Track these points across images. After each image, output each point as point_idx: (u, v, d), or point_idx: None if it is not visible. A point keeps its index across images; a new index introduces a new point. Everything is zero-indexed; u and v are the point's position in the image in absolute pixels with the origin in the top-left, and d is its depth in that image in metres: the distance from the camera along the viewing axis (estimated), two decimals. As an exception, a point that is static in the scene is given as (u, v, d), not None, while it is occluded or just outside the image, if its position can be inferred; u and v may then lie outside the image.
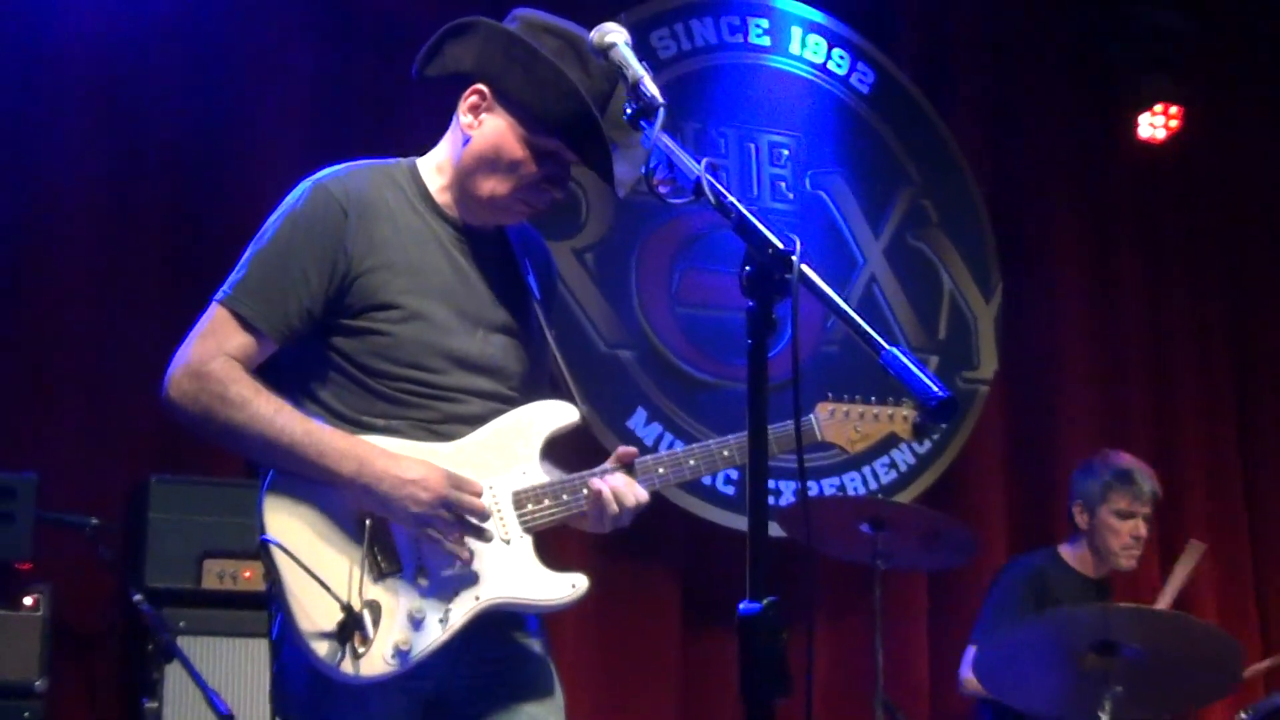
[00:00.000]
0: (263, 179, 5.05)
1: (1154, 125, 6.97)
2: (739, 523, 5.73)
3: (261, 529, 2.72)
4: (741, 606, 2.02)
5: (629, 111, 2.40)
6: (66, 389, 5.00)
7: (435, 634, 2.73)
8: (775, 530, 4.78)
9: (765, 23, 6.40)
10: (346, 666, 2.66)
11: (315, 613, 2.66)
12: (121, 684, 4.82)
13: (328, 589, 2.66)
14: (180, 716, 4.45)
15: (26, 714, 4.37)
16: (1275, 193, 7.22)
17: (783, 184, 6.30)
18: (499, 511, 2.83)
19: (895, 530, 4.82)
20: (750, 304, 2.10)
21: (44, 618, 4.46)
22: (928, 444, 6.20)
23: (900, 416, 3.23)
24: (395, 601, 2.72)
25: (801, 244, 2.09)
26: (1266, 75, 7.23)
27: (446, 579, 2.76)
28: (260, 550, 2.71)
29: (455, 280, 2.89)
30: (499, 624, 2.83)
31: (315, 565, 2.67)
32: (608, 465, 2.91)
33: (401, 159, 3.00)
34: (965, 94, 6.76)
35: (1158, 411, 6.89)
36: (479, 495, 2.76)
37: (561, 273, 4.94)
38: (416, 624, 2.71)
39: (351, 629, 2.65)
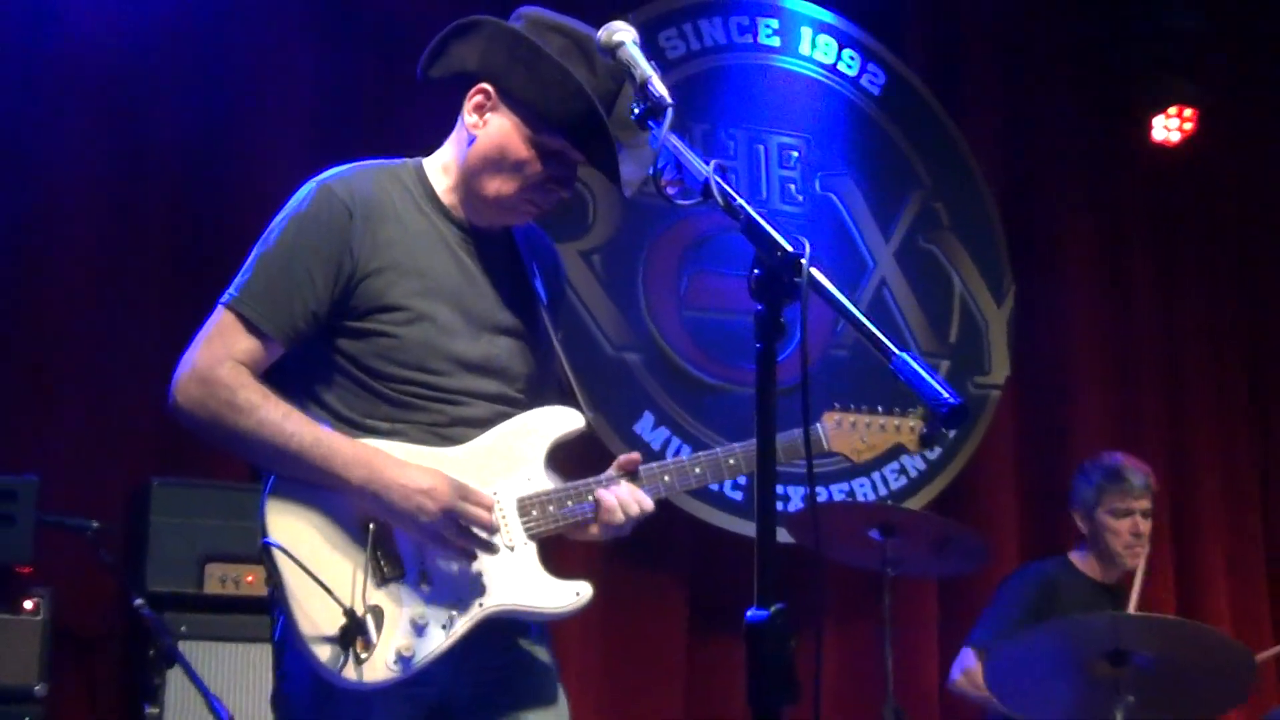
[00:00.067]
0: (264, 179, 5.07)
1: (1168, 128, 6.97)
2: (747, 528, 5.73)
3: (263, 532, 2.72)
4: (749, 613, 2.02)
5: (637, 111, 2.40)
6: (67, 390, 5.00)
7: (438, 640, 2.72)
8: (783, 536, 4.77)
9: (775, 23, 6.40)
10: (348, 672, 2.65)
11: (317, 617, 2.66)
12: (122, 689, 4.83)
13: (330, 593, 2.65)
14: (181, 722, 4.46)
15: (26, 719, 4.37)
16: (1290, 196, 7.22)
17: (792, 186, 6.30)
18: (503, 518, 2.82)
19: (905, 537, 4.81)
20: (759, 307, 2.10)
21: (44, 621, 4.46)
22: (938, 450, 6.20)
23: (907, 428, 3.24)
24: (398, 607, 2.71)
25: (811, 247, 2.09)
26: (1283, 77, 7.23)
27: (450, 585, 2.75)
28: (262, 553, 2.71)
29: (461, 282, 2.89)
30: (502, 631, 2.83)
31: (317, 569, 2.67)
32: (610, 472, 2.91)
33: (407, 159, 3.00)
34: (977, 95, 6.75)
35: (1171, 415, 6.89)
36: (489, 508, 2.76)
37: (568, 274, 4.94)
38: (419, 630, 2.71)
39: (353, 634, 2.65)
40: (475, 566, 2.77)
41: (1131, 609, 4.88)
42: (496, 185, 2.86)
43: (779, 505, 5.29)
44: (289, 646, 2.72)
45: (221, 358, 2.73)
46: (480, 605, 2.76)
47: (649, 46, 2.48)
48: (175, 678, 4.38)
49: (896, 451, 3.34)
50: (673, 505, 5.39)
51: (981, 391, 6.41)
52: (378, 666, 2.67)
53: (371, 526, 2.72)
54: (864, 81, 6.49)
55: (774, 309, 2.09)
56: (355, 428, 2.79)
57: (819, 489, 5.96)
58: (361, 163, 2.95)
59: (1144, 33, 6.90)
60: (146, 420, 4.87)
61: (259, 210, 2.97)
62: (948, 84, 6.67)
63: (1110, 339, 6.84)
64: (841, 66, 6.47)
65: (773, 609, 2.01)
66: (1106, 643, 4.21)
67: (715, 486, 5.74)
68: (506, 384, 2.91)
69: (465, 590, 2.76)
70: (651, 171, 2.35)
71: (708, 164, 2.26)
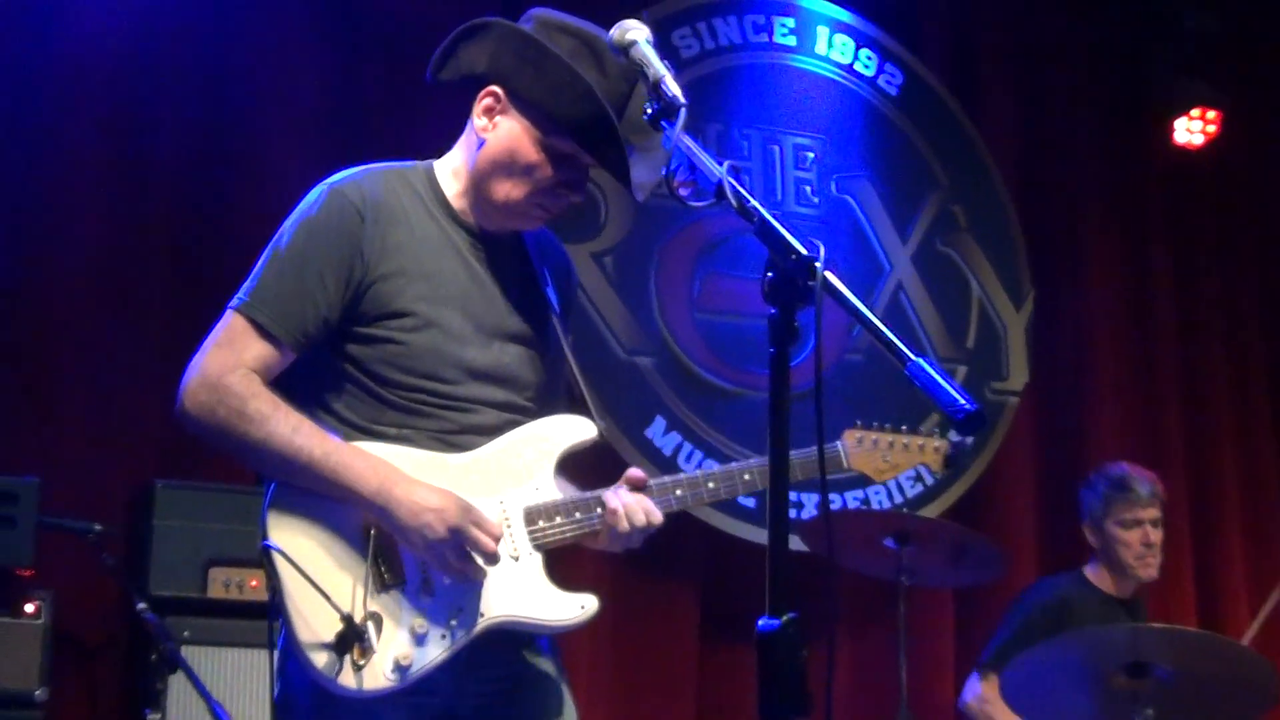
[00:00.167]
0: (267, 183, 5.09)
1: (1191, 130, 6.96)
2: (759, 536, 5.69)
3: (264, 535, 2.72)
4: (760, 622, 2.01)
5: (649, 111, 2.39)
6: (70, 392, 5.01)
7: (437, 650, 2.72)
8: (796, 544, 4.77)
9: (791, 22, 6.40)
10: (345, 679, 2.65)
11: (315, 622, 2.66)
12: (124, 694, 4.83)
13: (328, 599, 2.65)
14: (183, 728, 4.46)
15: (26, 724, 4.38)
16: (1316, 202, 7.20)
17: (807, 188, 6.29)
18: (509, 527, 2.82)
19: (921, 545, 4.80)
20: (772, 311, 2.09)
21: (45, 625, 4.46)
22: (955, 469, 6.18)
23: (931, 448, 3.21)
24: (398, 615, 2.71)
25: (826, 249, 2.08)
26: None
27: (451, 595, 2.75)
28: (261, 556, 2.71)
29: (471, 288, 2.89)
30: (508, 642, 2.82)
31: (317, 574, 2.67)
32: (620, 486, 2.90)
33: (418, 162, 2.99)
34: (996, 96, 6.75)
35: (1192, 422, 6.87)
36: (497, 538, 2.75)
37: (579, 277, 4.94)
38: (419, 639, 2.71)
39: (351, 640, 2.65)
40: (477, 577, 2.76)
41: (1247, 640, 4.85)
42: (506, 189, 2.86)
43: (792, 512, 5.29)
44: (289, 653, 2.72)
45: (232, 365, 2.73)
46: (481, 616, 2.75)
47: (662, 45, 2.48)
48: (178, 683, 4.38)
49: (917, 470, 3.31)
50: (685, 512, 5.38)
51: (999, 398, 6.40)
52: (375, 675, 2.66)
53: (373, 533, 2.72)
54: (881, 82, 6.49)
55: (788, 313, 2.08)
56: (362, 433, 2.79)
57: (833, 496, 5.95)
58: (372, 165, 2.94)
59: (1166, 34, 6.88)
60: (150, 422, 4.88)
61: (262, 214, 2.98)
62: (966, 85, 6.66)
63: (1131, 345, 6.82)
64: (858, 66, 6.46)
65: (785, 618, 2.00)
66: (1126, 655, 4.21)
67: (727, 495, 5.73)
68: (515, 392, 2.91)
69: (467, 600, 2.75)
70: (664, 172, 2.34)
71: (721, 165, 2.25)
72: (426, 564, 2.74)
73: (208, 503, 4.68)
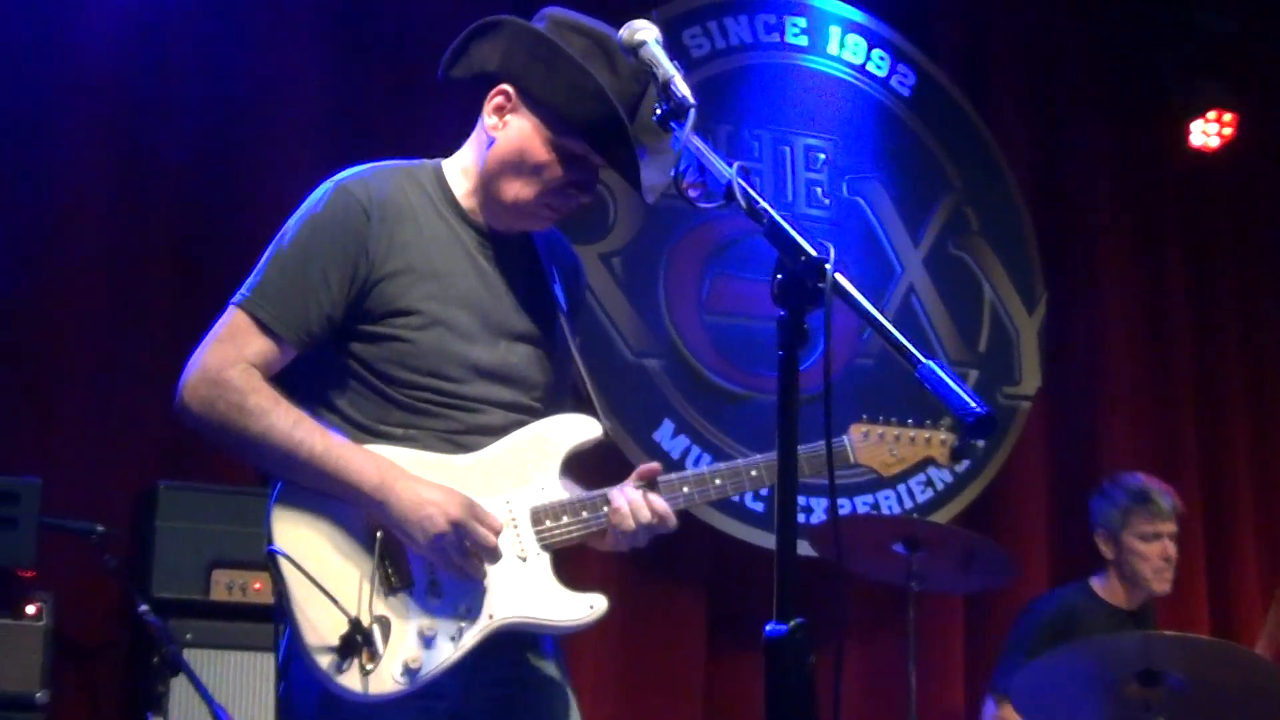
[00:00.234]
0: (270, 184, 5.11)
1: (1207, 133, 6.95)
2: (767, 540, 5.72)
3: (269, 539, 2.72)
4: (768, 627, 2.02)
5: (659, 112, 2.39)
6: (73, 392, 5.02)
7: (446, 653, 2.72)
8: (805, 549, 4.77)
9: (803, 21, 6.40)
10: (354, 684, 2.65)
11: (322, 627, 2.66)
12: (125, 697, 4.84)
13: (335, 603, 2.66)
14: (185, 732, 4.47)
15: (27, 727, 4.38)
16: (1334, 206, 7.19)
17: (819, 189, 6.30)
18: (515, 527, 2.82)
19: (931, 551, 4.80)
20: (782, 313, 2.09)
21: (46, 627, 4.47)
22: (966, 462, 6.18)
23: (938, 440, 3.21)
24: (405, 618, 2.72)
25: (836, 252, 2.08)
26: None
27: (459, 596, 2.75)
28: (267, 561, 2.71)
29: (479, 287, 2.89)
30: (514, 645, 2.83)
31: (324, 578, 2.67)
32: (628, 483, 2.91)
33: (426, 160, 3.00)
34: (1010, 98, 6.74)
35: (1206, 429, 6.86)
36: (497, 531, 2.75)
37: (587, 278, 4.95)
38: (427, 642, 2.71)
39: (359, 645, 2.65)
40: (486, 578, 2.77)
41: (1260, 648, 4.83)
42: (515, 189, 2.86)
43: (801, 517, 5.27)
44: (295, 656, 2.72)
45: (233, 359, 2.74)
46: (490, 617, 2.76)
47: (672, 45, 2.49)
48: (180, 686, 4.38)
49: (926, 465, 3.31)
50: (692, 516, 5.39)
51: (1011, 402, 6.40)
52: (384, 678, 2.67)
53: (379, 535, 2.72)
54: (894, 82, 6.49)
55: (797, 315, 2.09)
56: (367, 433, 2.80)
57: (843, 501, 5.95)
58: (380, 163, 2.95)
59: (1181, 35, 6.88)
60: (153, 422, 4.89)
61: (266, 215, 2.98)
62: (980, 86, 6.66)
63: (1145, 350, 6.81)
64: (871, 67, 6.47)
65: (792, 623, 2.00)
66: (1138, 663, 4.20)
67: (736, 497, 5.74)
68: (523, 392, 2.91)
69: (475, 601, 2.76)
70: (674, 173, 2.34)
71: (731, 166, 2.25)
72: (433, 565, 2.75)
73: (211, 504, 4.68)
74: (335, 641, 2.65)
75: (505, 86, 2.87)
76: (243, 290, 2.80)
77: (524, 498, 2.85)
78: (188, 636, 4.52)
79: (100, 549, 4.44)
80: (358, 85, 5.56)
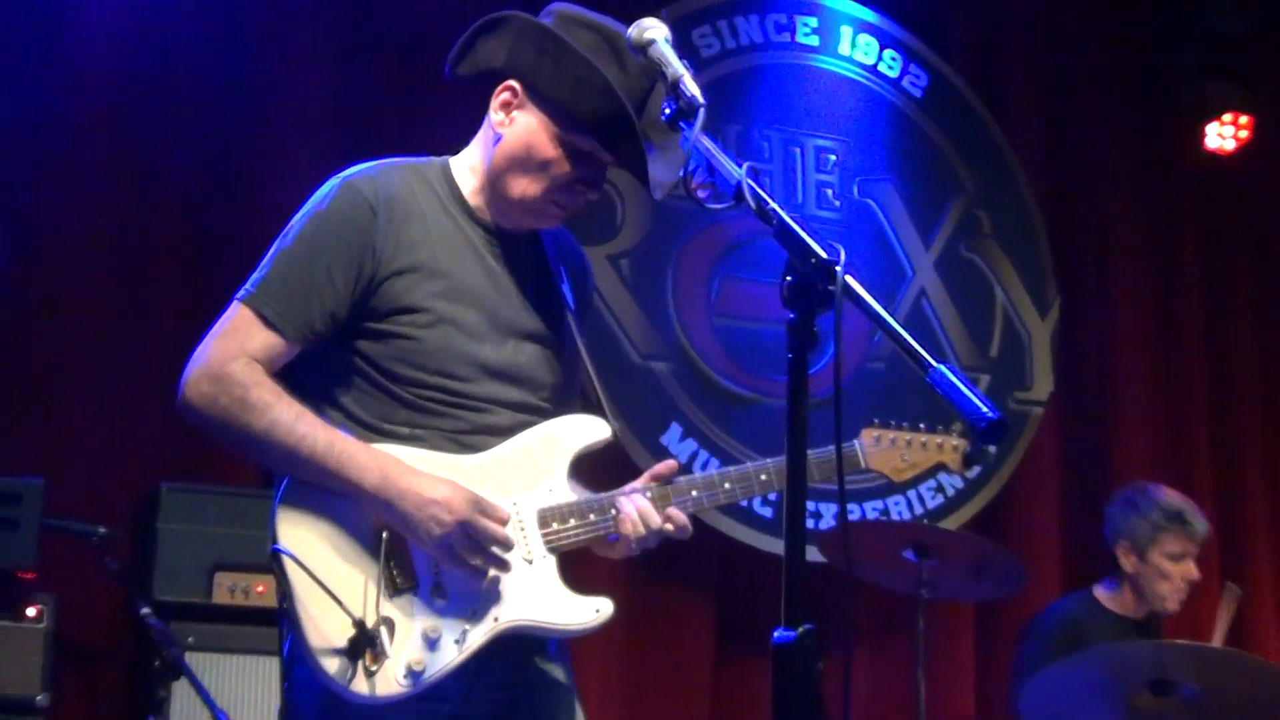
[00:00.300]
0: (275, 185, 5.11)
1: (1222, 136, 6.94)
2: (776, 546, 5.70)
3: (273, 539, 2.73)
4: (776, 634, 2.01)
5: (668, 111, 2.39)
6: (75, 392, 5.03)
7: (450, 655, 2.72)
8: (814, 555, 4.77)
9: (814, 21, 6.40)
10: (358, 685, 2.66)
11: (326, 628, 2.67)
12: (126, 701, 4.84)
13: (340, 603, 2.66)
14: (187, 736, 4.47)
15: (27, 730, 4.39)
16: (1351, 210, 7.18)
17: (829, 191, 6.29)
18: (522, 529, 2.82)
19: (941, 558, 4.79)
20: (791, 316, 2.09)
21: (47, 630, 4.47)
22: (978, 468, 6.17)
23: (950, 446, 3.20)
24: (410, 619, 2.72)
25: (847, 254, 2.08)
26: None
27: (464, 598, 2.75)
28: (271, 561, 2.72)
29: (486, 285, 2.89)
30: (518, 648, 2.83)
31: (328, 578, 2.68)
32: (640, 483, 2.91)
33: (434, 158, 3.00)
34: (1023, 99, 6.74)
35: (1220, 435, 6.85)
36: (504, 522, 2.76)
37: (595, 279, 4.95)
38: (431, 644, 2.71)
39: (363, 646, 2.65)
40: (491, 579, 2.77)
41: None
42: (523, 186, 2.86)
43: (810, 522, 5.27)
44: (298, 658, 2.72)
45: (235, 354, 2.74)
46: (495, 619, 2.76)
47: (682, 44, 2.48)
48: (181, 690, 4.38)
49: (937, 470, 3.30)
50: (700, 521, 5.33)
51: (1023, 408, 6.39)
52: (388, 680, 2.67)
53: (385, 535, 2.72)
54: (905, 83, 6.49)
55: (807, 318, 2.08)
56: (373, 432, 2.80)
57: (852, 506, 5.95)
58: (386, 160, 2.95)
59: (1195, 37, 6.87)
60: (155, 423, 4.88)
61: (269, 215, 2.99)
62: (992, 87, 6.66)
63: (1158, 355, 6.80)
64: (882, 67, 6.46)
65: (801, 630, 2.00)
66: (1150, 672, 4.19)
67: (744, 502, 5.74)
68: (530, 392, 2.91)
69: (480, 604, 2.76)
70: (682, 173, 2.34)
71: (740, 166, 2.25)
72: (438, 565, 2.75)
73: (213, 506, 4.69)
74: (338, 642, 2.66)
75: (512, 83, 2.87)
76: (247, 285, 2.81)
77: (531, 499, 2.85)
78: (189, 640, 4.53)
79: (102, 551, 4.44)
80: (362, 82, 5.56)
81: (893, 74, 6.47)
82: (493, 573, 2.76)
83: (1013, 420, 6.29)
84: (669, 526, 2.86)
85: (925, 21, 6.56)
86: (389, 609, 2.71)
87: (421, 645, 2.71)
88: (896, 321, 2.11)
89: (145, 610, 4.30)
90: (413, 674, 2.69)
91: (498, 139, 2.88)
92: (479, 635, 2.75)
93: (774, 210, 2.18)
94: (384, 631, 2.68)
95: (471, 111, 2.97)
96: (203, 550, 4.64)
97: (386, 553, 2.72)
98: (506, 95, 2.88)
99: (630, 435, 5.61)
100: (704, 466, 5.74)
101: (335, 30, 5.59)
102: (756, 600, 5.52)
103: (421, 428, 2.81)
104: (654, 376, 5.84)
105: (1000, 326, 6.46)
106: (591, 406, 2.98)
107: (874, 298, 2.10)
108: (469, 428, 2.84)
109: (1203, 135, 6.94)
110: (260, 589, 4.61)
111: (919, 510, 6.11)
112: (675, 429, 5.82)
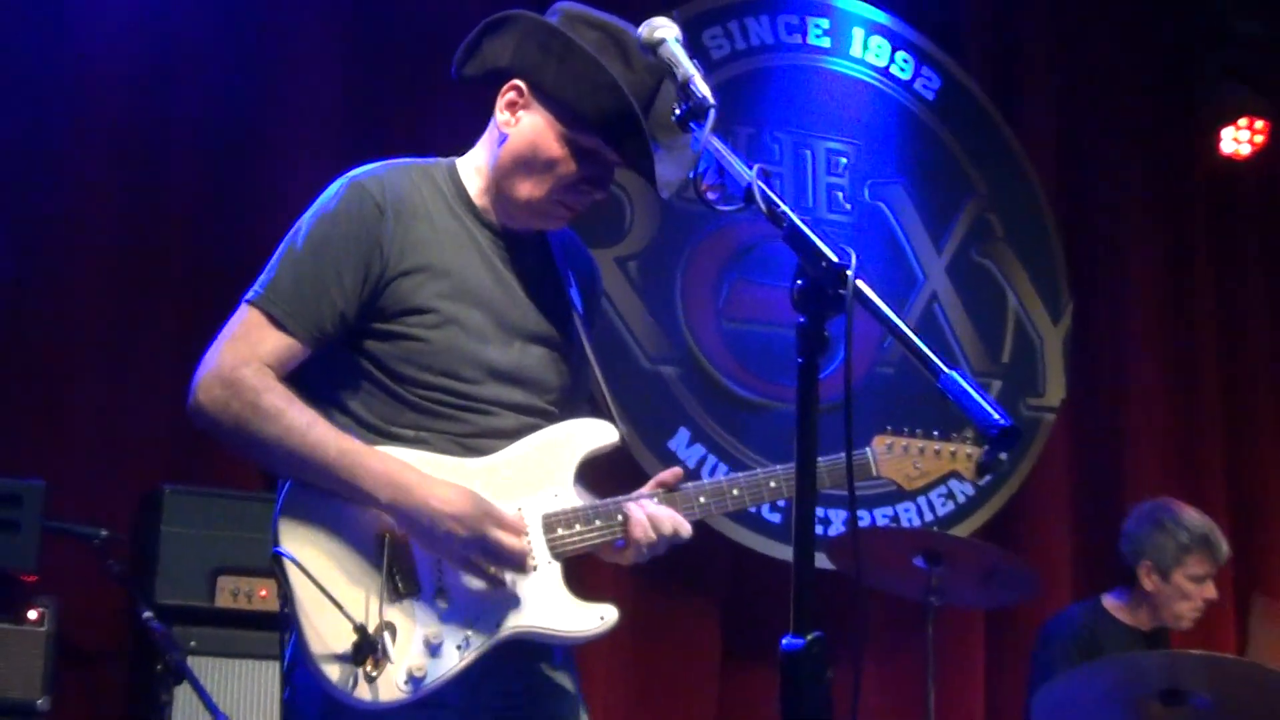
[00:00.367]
0: (280, 187, 5.11)
1: (1238, 140, 6.93)
2: (784, 552, 5.72)
3: (275, 541, 2.72)
4: (784, 641, 2.01)
5: (678, 112, 2.39)
6: (78, 394, 5.03)
7: (452, 661, 2.72)
8: (823, 562, 4.76)
9: (825, 23, 6.40)
10: (359, 691, 2.65)
11: (327, 632, 2.66)
12: (128, 705, 4.84)
13: (340, 608, 2.65)
14: (188, 741, 4.47)
15: (28, 734, 4.39)
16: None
17: (840, 194, 6.29)
18: (527, 535, 2.82)
19: (951, 565, 4.78)
20: (801, 320, 2.09)
21: (48, 633, 4.47)
22: (986, 478, 6.16)
23: (964, 454, 3.18)
24: (412, 625, 2.71)
25: (858, 258, 2.08)
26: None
27: (467, 604, 2.75)
28: (272, 564, 2.71)
29: (494, 287, 2.89)
30: (523, 655, 2.82)
31: (330, 582, 2.67)
32: (646, 490, 2.90)
33: (441, 159, 3.00)
34: (1036, 102, 6.73)
35: (1235, 444, 6.84)
36: (520, 534, 2.75)
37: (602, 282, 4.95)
38: (433, 650, 2.71)
39: (365, 652, 2.65)
40: (495, 585, 2.76)
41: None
42: (529, 187, 2.86)
43: (819, 529, 5.27)
44: (299, 663, 2.72)
45: (247, 358, 2.74)
46: (498, 626, 2.75)
47: (692, 45, 2.48)
48: (183, 695, 4.38)
49: (949, 478, 3.29)
50: (707, 527, 5.38)
51: (1035, 414, 6.39)
52: (389, 686, 2.66)
53: (387, 539, 2.72)
54: (918, 86, 6.48)
55: (817, 322, 2.08)
56: (378, 434, 2.80)
57: (862, 512, 5.94)
58: (393, 160, 2.95)
59: (1213, 40, 6.86)
60: (158, 425, 4.89)
61: (274, 217, 2.99)
62: (1006, 90, 6.65)
63: (1172, 362, 6.79)
64: (894, 70, 6.46)
65: (809, 638, 2.00)
66: (1161, 681, 4.18)
67: (753, 508, 5.73)
68: (537, 395, 2.91)
69: (483, 610, 2.75)
70: (692, 175, 2.34)
71: (751, 169, 2.25)
72: (443, 569, 2.74)
73: (217, 509, 4.68)
74: (339, 647, 2.65)
75: (517, 82, 2.87)
76: (255, 287, 2.81)
77: (536, 504, 2.84)
78: (192, 644, 4.52)
79: (104, 553, 4.44)
80: (369, 83, 5.57)
81: (905, 76, 6.47)
82: (508, 578, 2.76)
83: (1024, 427, 6.29)
84: (684, 531, 2.85)
85: (938, 24, 6.56)
86: (391, 614, 2.70)
87: (423, 651, 2.70)
88: (907, 326, 2.10)
89: (147, 614, 4.30)
90: (414, 680, 2.68)
91: (503, 139, 2.88)
92: (482, 641, 2.74)
93: (784, 213, 2.17)
94: (386, 637, 2.67)
95: (479, 112, 2.97)
96: (205, 553, 4.63)
97: (389, 557, 2.72)
98: (512, 95, 2.87)
99: (637, 440, 5.61)
100: (712, 472, 5.74)
101: (341, 30, 5.59)
102: (764, 607, 5.50)
103: (426, 430, 2.81)
104: (662, 380, 5.84)
105: (1012, 332, 6.45)
106: (599, 410, 2.97)
107: (885, 302, 2.10)
108: (474, 430, 2.83)
109: (1218, 139, 6.93)
110: (263, 593, 4.61)
111: (929, 517, 6.11)
112: (683, 434, 5.82)
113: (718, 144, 2.31)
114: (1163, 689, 4.18)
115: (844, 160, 6.31)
